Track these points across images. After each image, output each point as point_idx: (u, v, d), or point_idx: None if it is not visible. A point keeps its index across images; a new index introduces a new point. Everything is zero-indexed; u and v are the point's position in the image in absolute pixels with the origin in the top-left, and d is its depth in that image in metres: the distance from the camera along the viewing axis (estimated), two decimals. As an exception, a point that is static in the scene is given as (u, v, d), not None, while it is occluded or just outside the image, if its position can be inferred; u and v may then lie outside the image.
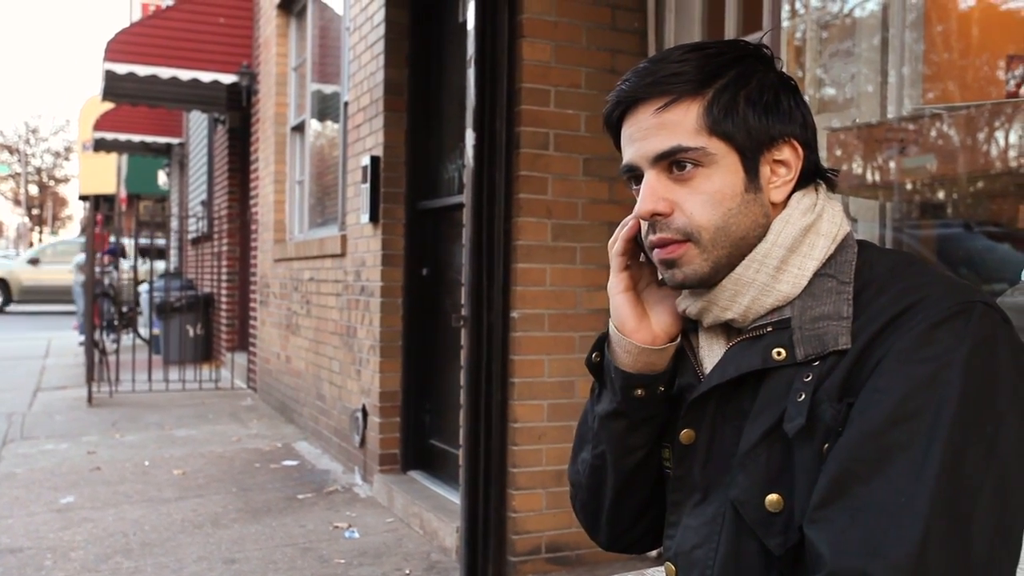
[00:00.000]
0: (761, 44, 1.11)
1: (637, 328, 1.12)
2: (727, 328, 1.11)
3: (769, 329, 1.04)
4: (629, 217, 1.14)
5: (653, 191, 1.06)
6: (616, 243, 1.14)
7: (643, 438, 1.16)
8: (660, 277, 1.14)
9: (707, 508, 1.08)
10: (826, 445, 0.97)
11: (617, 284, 1.14)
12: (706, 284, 1.07)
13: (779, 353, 1.02)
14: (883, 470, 0.91)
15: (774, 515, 1.00)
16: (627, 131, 1.09)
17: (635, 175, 1.09)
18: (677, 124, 1.04)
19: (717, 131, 1.04)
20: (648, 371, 1.12)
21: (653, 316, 1.13)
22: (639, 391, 1.12)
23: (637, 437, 1.16)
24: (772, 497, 1.00)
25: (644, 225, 1.09)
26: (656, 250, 1.08)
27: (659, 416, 1.15)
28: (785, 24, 3.05)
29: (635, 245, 1.14)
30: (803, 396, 0.99)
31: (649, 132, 1.06)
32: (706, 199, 1.04)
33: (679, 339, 1.14)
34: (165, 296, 10.20)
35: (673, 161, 1.05)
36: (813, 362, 1.00)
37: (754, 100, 1.05)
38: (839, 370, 0.98)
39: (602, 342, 1.19)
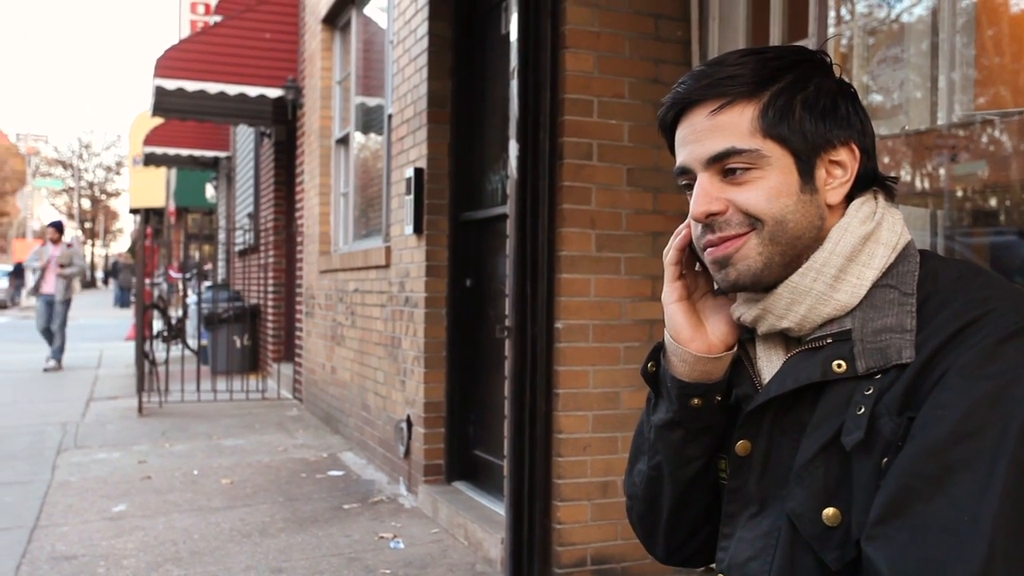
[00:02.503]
0: (820, 50, 1.10)
1: (693, 337, 1.11)
2: (785, 338, 1.09)
3: (829, 340, 1.03)
4: (683, 224, 1.13)
5: (706, 192, 1.05)
6: (670, 252, 1.14)
7: (700, 448, 1.15)
8: (715, 286, 1.14)
9: (763, 521, 1.07)
10: (885, 459, 0.95)
11: (671, 293, 1.14)
12: (759, 285, 1.06)
13: (839, 365, 1.01)
14: (945, 488, 0.89)
15: (831, 529, 0.98)
16: (681, 133, 1.09)
17: (688, 178, 1.09)
18: (731, 126, 1.04)
19: (772, 134, 1.03)
20: (704, 380, 1.11)
21: (709, 325, 1.13)
22: (696, 400, 1.11)
23: (694, 447, 1.15)
24: (830, 511, 0.99)
25: (697, 228, 1.09)
26: (709, 250, 1.07)
27: (716, 426, 1.14)
28: (831, 31, 3.02)
29: (689, 254, 1.14)
30: (863, 409, 0.97)
31: (703, 134, 1.05)
32: (761, 194, 1.03)
33: (735, 348, 1.13)
34: (213, 307, 10.35)
35: (727, 164, 1.04)
36: (875, 375, 0.98)
37: (811, 104, 1.04)
38: (900, 383, 0.96)
39: (657, 352, 1.18)
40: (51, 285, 11.68)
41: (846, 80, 1.10)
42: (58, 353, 11.54)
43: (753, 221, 1.04)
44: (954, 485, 0.89)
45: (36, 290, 11.85)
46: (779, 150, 1.03)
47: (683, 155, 1.08)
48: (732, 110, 1.04)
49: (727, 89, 1.04)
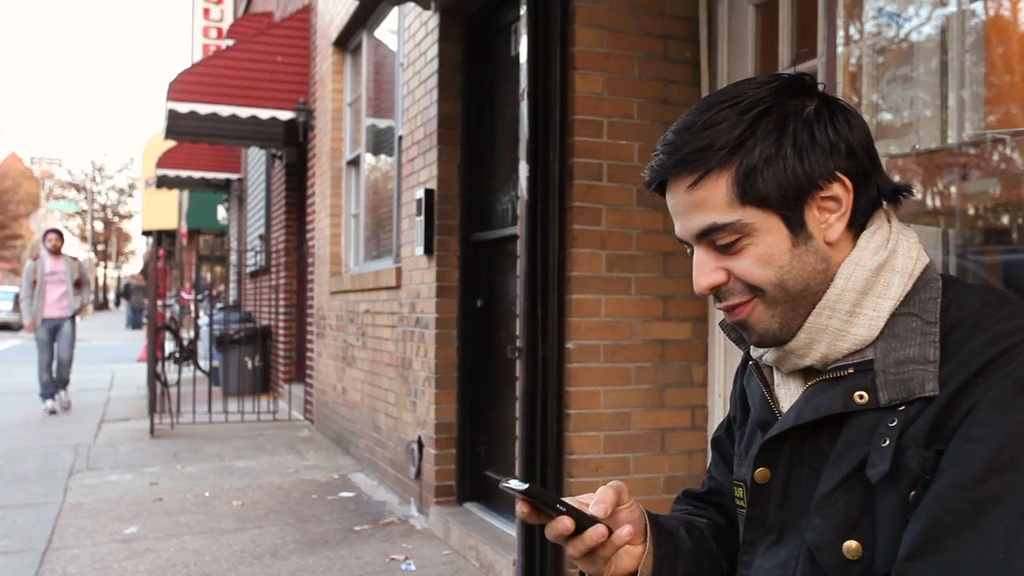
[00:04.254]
0: (800, 75, 1.07)
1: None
2: (805, 367, 1.08)
3: (850, 371, 1.01)
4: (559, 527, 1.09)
5: (703, 265, 1.05)
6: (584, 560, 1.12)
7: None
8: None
9: (781, 550, 1.05)
10: (912, 493, 0.93)
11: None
12: (781, 341, 1.06)
13: (861, 396, 0.99)
14: (977, 524, 0.87)
15: (852, 562, 0.97)
16: (669, 202, 1.09)
17: (686, 244, 1.09)
18: (708, 201, 1.02)
19: (749, 200, 1.01)
20: None
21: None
22: None
23: None
24: (850, 544, 0.97)
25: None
26: (726, 314, 1.08)
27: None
28: (839, 50, 3.02)
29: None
30: (887, 442, 0.95)
31: (685, 209, 1.05)
32: (753, 262, 1.02)
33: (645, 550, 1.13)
34: (224, 329, 10.38)
35: (713, 239, 1.04)
36: (898, 407, 0.96)
37: (786, 153, 1.00)
38: (926, 415, 0.94)
39: None
40: (56, 306, 9.57)
41: (828, 95, 1.06)
42: (65, 384, 9.86)
43: (754, 289, 1.04)
44: (987, 521, 0.87)
45: (34, 315, 9.60)
46: (761, 214, 1.01)
47: (677, 227, 1.08)
48: (706, 183, 1.02)
49: (697, 165, 1.01)
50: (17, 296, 28.63)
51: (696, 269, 1.06)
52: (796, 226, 1.02)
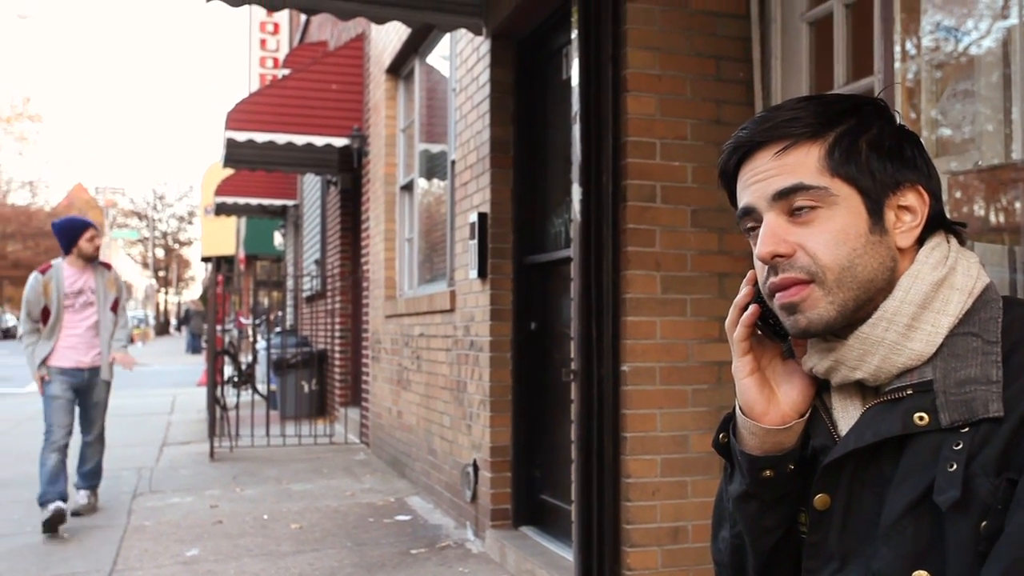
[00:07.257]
0: (879, 98, 1.09)
1: (766, 411, 1.08)
2: (861, 386, 1.06)
3: (909, 392, 0.99)
4: (742, 294, 1.11)
5: (773, 232, 1.03)
6: (738, 328, 1.10)
7: (778, 518, 1.12)
8: (783, 351, 1.11)
9: None
10: (984, 523, 0.90)
11: (743, 368, 1.10)
12: (831, 330, 1.03)
13: (922, 418, 0.96)
14: None
15: None
16: (744, 177, 1.08)
17: (752, 219, 1.07)
18: (798, 164, 1.03)
19: (840, 173, 1.02)
20: (776, 451, 1.08)
21: (780, 393, 1.10)
22: (768, 472, 1.09)
23: (771, 518, 1.12)
24: (920, 574, 0.94)
25: (763, 272, 1.06)
26: (777, 294, 1.04)
27: (793, 493, 1.10)
28: (896, 66, 2.98)
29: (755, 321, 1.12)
30: (955, 466, 0.92)
31: (769, 173, 1.04)
32: (829, 238, 1.01)
33: (807, 414, 1.10)
34: (281, 353, 10.53)
35: (794, 201, 1.02)
36: (961, 428, 0.94)
37: (876, 146, 1.03)
38: (996, 441, 0.92)
39: (727, 423, 1.15)
40: (83, 348, 5.70)
41: (907, 127, 1.08)
42: (94, 478, 5.97)
43: (815, 272, 1.01)
44: None
45: (44, 360, 5.56)
46: (847, 189, 1.01)
47: (747, 196, 1.07)
48: (798, 150, 1.03)
49: (791, 130, 1.03)
50: None
51: (765, 235, 1.03)
52: (875, 214, 1.02)
